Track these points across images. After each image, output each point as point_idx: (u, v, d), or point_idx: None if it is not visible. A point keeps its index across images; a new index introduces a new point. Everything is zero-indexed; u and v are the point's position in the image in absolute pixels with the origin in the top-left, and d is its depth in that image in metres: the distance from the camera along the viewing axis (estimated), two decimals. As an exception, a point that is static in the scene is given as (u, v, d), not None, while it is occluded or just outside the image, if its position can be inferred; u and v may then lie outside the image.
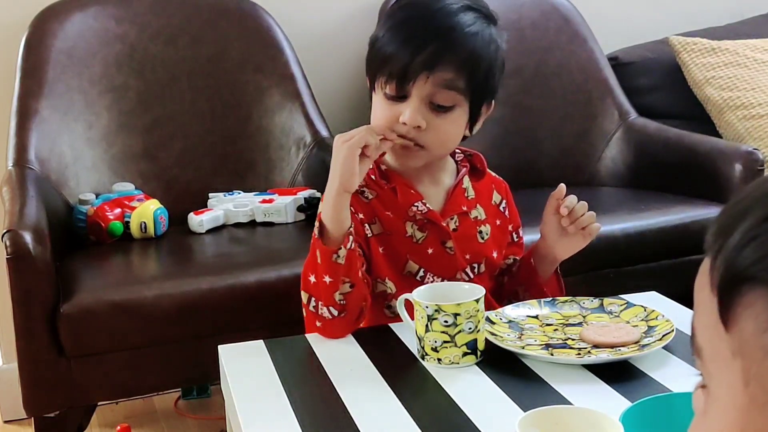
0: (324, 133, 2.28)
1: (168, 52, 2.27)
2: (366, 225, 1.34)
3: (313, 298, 1.27)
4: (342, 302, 1.25)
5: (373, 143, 1.24)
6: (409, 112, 1.27)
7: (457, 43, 1.27)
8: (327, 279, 1.24)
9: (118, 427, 1.90)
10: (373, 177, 1.37)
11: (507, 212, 1.48)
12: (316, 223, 1.25)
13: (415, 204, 1.35)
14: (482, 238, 1.41)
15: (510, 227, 1.48)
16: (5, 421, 2.31)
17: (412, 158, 1.33)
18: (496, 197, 1.46)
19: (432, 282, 1.35)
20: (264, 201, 2.13)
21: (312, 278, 1.26)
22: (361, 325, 1.33)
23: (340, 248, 1.22)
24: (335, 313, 1.26)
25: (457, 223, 1.39)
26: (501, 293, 1.46)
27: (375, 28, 1.37)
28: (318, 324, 1.28)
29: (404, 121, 1.28)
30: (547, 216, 1.38)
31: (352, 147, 1.22)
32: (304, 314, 1.31)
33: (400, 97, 1.28)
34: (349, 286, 1.25)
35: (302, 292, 1.29)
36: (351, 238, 1.24)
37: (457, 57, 1.27)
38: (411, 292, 1.23)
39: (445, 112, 1.29)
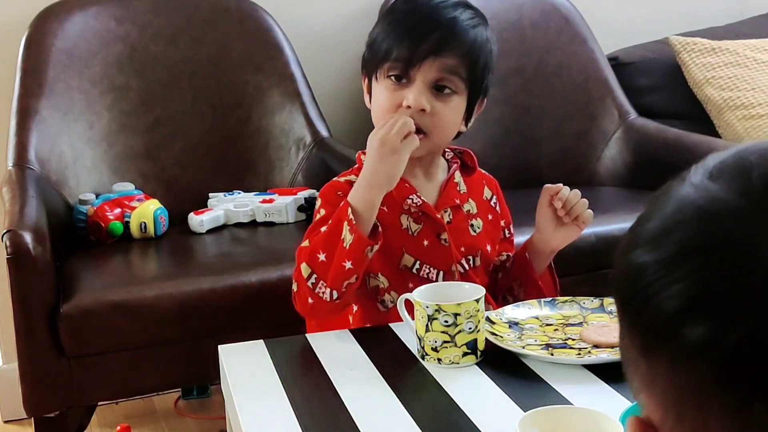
0: (324, 133, 2.28)
1: (168, 52, 2.27)
2: None
3: (315, 276, 1.28)
4: (344, 290, 1.28)
5: (417, 143, 1.29)
6: (413, 95, 1.31)
7: (461, 33, 1.33)
8: (348, 265, 1.25)
9: (118, 427, 1.90)
10: None
11: (498, 208, 1.50)
12: (348, 209, 1.26)
13: (410, 197, 1.37)
14: (474, 231, 1.43)
15: (502, 223, 1.50)
16: (5, 421, 2.31)
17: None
18: (487, 193, 1.49)
19: (428, 275, 1.37)
20: (264, 201, 2.13)
21: (322, 257, 1.27)
22: (351, 320, 1.37)
23: (376, 244, 1.26)
24: (335, 296, 1.28)
25: (450, 216, 1.41)
26: (495, 290, 1.47)
27: (370, 32, 1.41)
28: (310, 301, 1.29)
29: (409, 104, 1.31)
30: (541, 208, 1.40)
31: (406, 151, 1.27)
32: (294, 287, 1.31)
33: (404, 82, 1.33)
34: (355, 278, 1.28)
35: (303, 266, 1.29)
36: (381, 238, 1.28)
37: (460, 46, 1.33)
38: (406, 287, 1.24)
39: (447, 97, 1.34)
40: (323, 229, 1.30)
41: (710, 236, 0.46)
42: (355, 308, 1.38)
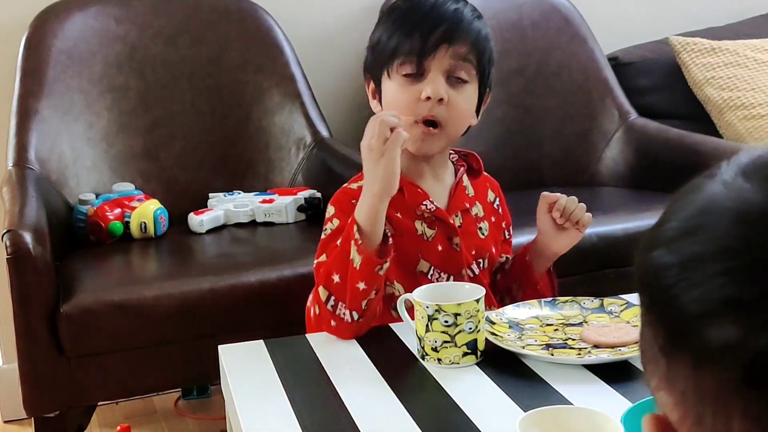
0: (324, 133, 2.28)
1: (168, 52, 2.27)
2: None
3: (333, 298, 1.27)
4: (364, 308, 1.26)
5: (406, 136, 1.25)
6: (431, 86, 1.31)
7: (467, 23, 1.34)
8: (361, 286, 1.24)
9: (118, 427, 1.90)
10: None
11: (500, 210, 1.50)
12: (354, 227, 1.23)
13: (424, 202, 1.36)
14: (482, 234, 1.43)
15: (503, 224, 1.50)
16: (5, 421, 2.31)
17: (432, 142, 1.34)
18: (490, 195, 1.49)
19: (438, 279, 1.37)
20: (264, 201, 2.12)
21: (336, 278, 1.26)
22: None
23: (386, 261, 1.24)
24: (356, 317, 1.26)
25: (461, 220, 1.41)
26: (493, 290, 1.47)
27: (370, 35, 1.41)
28: (333, 323, 1.28)
29: (428, 95, 1.31)
30: (541, 214, 1.40)
31: (392, 149, 1.23)
32: (315, 311, 1.30)
33: (418, 75, 1.32)
34: (374, 294, 1.26)
35: (320, 289, 1.28)
36: (392, 250, 1.26)
37: (468, 35, 1.33)
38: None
39: (461, 85, 1.34)
40: (339, 242, 1.28)
41: (740, 239, 0.45)
42: None
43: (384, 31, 1.36)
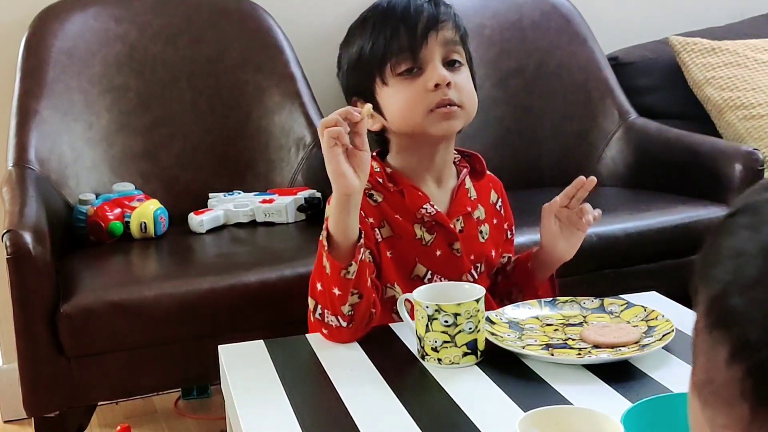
0: (324, 133, 2.28)
1: (168, 52, 2.27)
2: (376, 229, 1.35)
3: (319, 306, 1.26)
4: (350, 313, 1.25)
5: (341, 131, 1.19)
6: (435, 73, 1.30)
7: (443, 7, 1.35)
8: (336, 291, 1.23)
9: (118, 427, 1.90)
10: (380, 180, 1.37)
11: (502, 211, 1.49)
12: (324, 232, 1.24)
13: (424, 206, 1.35)
14: (482, 238, 1.42)
15: (505, 225, 1.49)
16: (5, 421, 2.31)
17: (453, 119, 1.33)
18: (493, 196, 1.48)
19: None
20: (264, 201, 2.12)
21: (319, 286, 1.26)
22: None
23: (351, 264, 1.21)
24: (343, 323, 1.25)
25: (462, 224, 1.39)
26: (494, 292, 1.46)
27: (341, 57, 1.40)
28: (324, 331, 1.28)
29: (436, 83, 1.30)
30: (544, 219, 1.40)
31: (327, 150, 1.19)
32: (311, 320, 1.30)
33: (416, 72, 1.31)
34: (357, 297, 1.24)
35: (309, 299, 1.28)
36: (362, 250, 1.23)
37: (448, 18, 1.34)
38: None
39: (459, 68, 1.34)
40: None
41: None
42: None
43: (365, 41, 1.34)
